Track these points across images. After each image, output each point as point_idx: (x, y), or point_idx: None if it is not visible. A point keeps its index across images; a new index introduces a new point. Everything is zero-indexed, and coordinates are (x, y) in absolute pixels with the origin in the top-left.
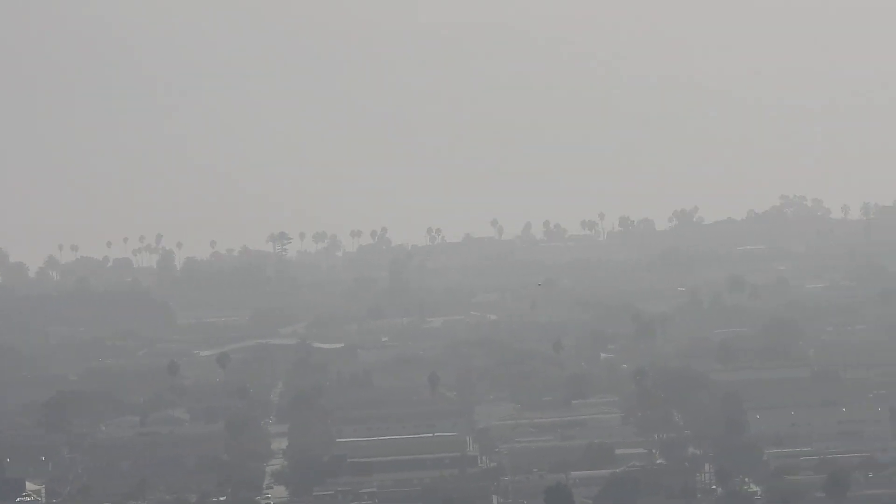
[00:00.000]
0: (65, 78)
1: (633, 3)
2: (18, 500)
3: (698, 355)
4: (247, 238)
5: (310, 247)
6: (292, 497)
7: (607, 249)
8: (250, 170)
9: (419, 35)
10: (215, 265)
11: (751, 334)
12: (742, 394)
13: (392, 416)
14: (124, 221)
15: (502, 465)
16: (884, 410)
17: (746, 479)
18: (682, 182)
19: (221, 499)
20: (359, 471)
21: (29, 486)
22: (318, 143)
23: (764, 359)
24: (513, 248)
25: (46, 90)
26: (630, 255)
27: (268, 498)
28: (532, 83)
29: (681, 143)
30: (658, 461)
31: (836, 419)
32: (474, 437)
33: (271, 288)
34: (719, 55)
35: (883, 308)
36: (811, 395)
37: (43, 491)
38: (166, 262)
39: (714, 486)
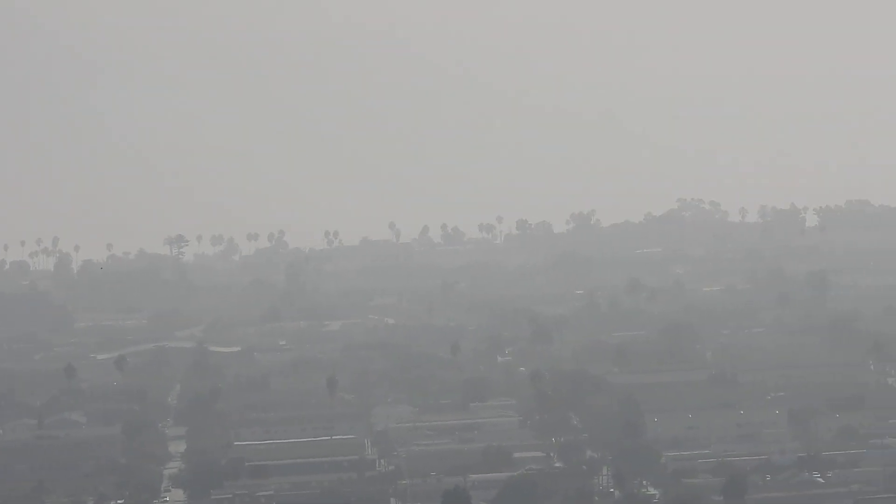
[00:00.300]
0: None
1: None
2: None
3: (595, 358)
4: (144, 241)
5: (207, 250)
6: (190, 500)
7: (505, 253)
8: (147, 173)
9: (317, 38)
10: (112, 268)
11: (648, 337)
12: (639, 397)
13: (290, 420)
14: (21, 224)
15: (400, 468)
16: (781, 413)
17: (644, 482)
18: (580, 185)
19: (119, 502)
20: (256, 474)
21: None
22: (214, 146)
23: (661, 362)
24: (410, 252)
25: None
26: (528, 258)
27: (165, 501)
28: (429, 89)
29: (577, 146)
30: (556, 464)
31: (734, 422)
32: (372, 441)
33: (168, 291)
34: (629, 58)
35: (780, 311)
36: (708, 398)
37: None
38: (63, 266)
39: (612, 490)
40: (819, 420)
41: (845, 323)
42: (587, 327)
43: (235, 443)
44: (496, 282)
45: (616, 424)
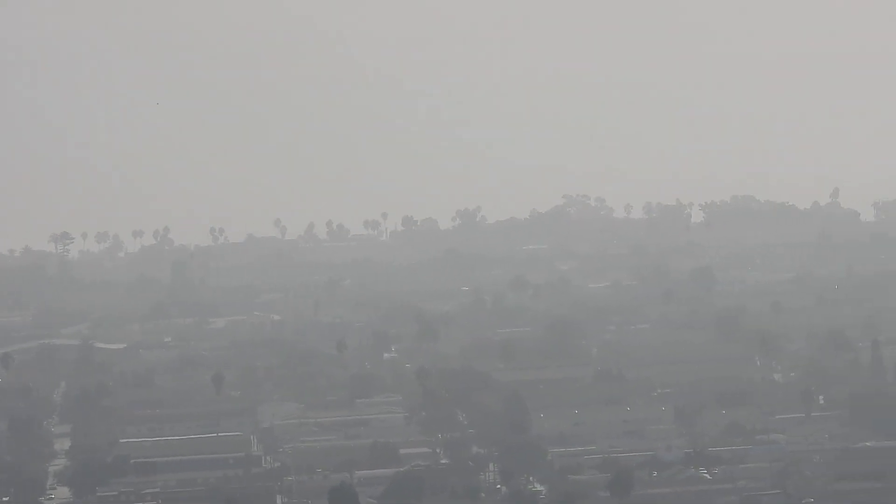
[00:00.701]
0: None
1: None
2: None
3: (481, 355)
4: (29, 239)
5: (92, 247)
6: (75, 498)
7: (391, 250)
8: (31, 169)
9: (206, 36)
10: None
11: (534, 334)
12: (525, 393)
13: (176, 417)
14: None
15: (286, 464)
16: (667, 409)
17: (531, 479)
18: (466, 182)
19: (4, 499)
20: (142, 471)
21: None
22: (99, 143)
23: (547, 358)
24: (296, 248)
25: None
26: (413, 255)
27: (51, 498)
28: (315, 84)
29: (463, 143)
30: (442, 461)
31: (620, 418)
32: (258, 437)
33: (54, 288)
34: (505, 55)
35: (665, 307)
36: (594, 395)
37: None
38: None
39: (498, 486)
40: (705, 416)
41: (731, 319)
42: (473, 324)
43: (121, 440)
44: (382, 279)
45: (502, 421)
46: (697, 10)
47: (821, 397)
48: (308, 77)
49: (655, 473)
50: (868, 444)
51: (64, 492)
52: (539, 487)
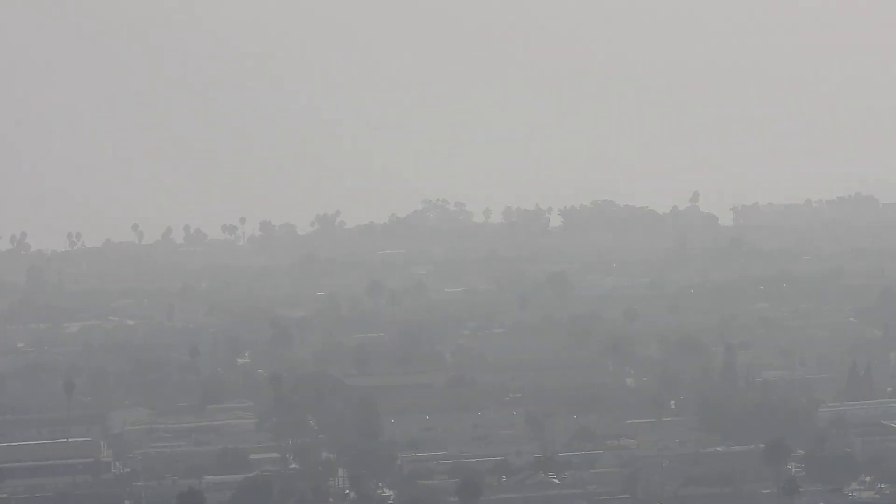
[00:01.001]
0: None
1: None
2: None
3: (335, 361)
4: None
5: None
6: None
7: (248, 254)
8: None
9: (57, 37)
10: None
11: (387, 339)
12: (377, 399)
13: (25, 422)
14: None
15: (136, 470)
16: (519, 415)
17: (380, 484)
18: (325, 187)
19: None
20: None
21: None
22: None
23: (400, 364)
24: (153, 253)
25: None
26: (271, 259)
27: None
28: (174, 87)
29: (322, 147)
30: (291, 466)
31: (471, 423)
32: (109, 443)
33: None
34: (362, 58)
35: (521, 313)
36: (446, 400)
37: None
38: None
39: (347, 491)
40: (556, 421)
41: (584, 324)
42: (327, 329)
43: None
44: (238, 283)
45: (353, 426)
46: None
47: (672, 402)
48: (167, 80)
49: (505, 478)
50: (718, 448)
51: None
52: (388, 492)
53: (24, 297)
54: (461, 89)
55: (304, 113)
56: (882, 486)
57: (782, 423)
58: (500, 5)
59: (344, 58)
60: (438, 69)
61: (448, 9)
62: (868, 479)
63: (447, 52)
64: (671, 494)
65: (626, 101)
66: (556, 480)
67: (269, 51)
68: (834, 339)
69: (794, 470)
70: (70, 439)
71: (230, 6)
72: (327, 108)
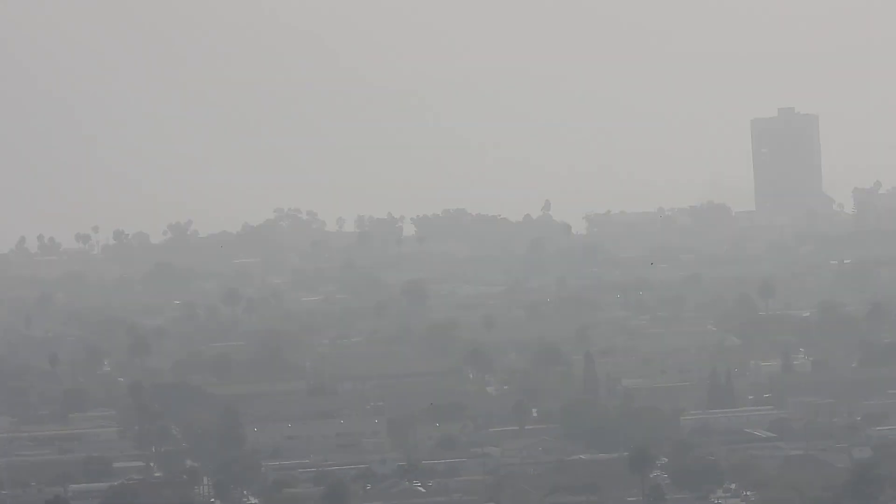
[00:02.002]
0: None
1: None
2: None
3: (194, 369)
4: None
5: None
6: None
7: (102, 263)
8: None
9: None
10: None
11: (246, 348)
12: (239, 407)
13: None
14: None
15: (0, 478)
16: (381, 422)
17: (245, 492)
18: (178, 195)
19: None
20: None
21: None
22: None
23: (260, 372)
24: (7, 263)
25: None
26: (125, 269)
27: None
28: (27, 96)
29: (174, 158)
30: (156, 474)
31: (334, 431)
32: None
33: None
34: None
35: (378, 320)
36: (308, 408)
37: None
38: None
39: (213, 500)
40: (419, 429)
41: (443, 331)
42: (186, 338)
43: None
44: (94, 293)
45: (216, 435)
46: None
47: (534, 410)
48: (16, 87)
49: (369, 486)
50: (581, 456)
51: None
52: (253, 500)
53: None
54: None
55: (154, 122)
56: (747, 493)
57: (646, 431)
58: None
59: (197, 67)
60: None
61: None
62: (733, 486)
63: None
64: (537, 502)
65: (468, 109)
66: (422, 488)
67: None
68: (693, 347)
69: (659, 478)
70: None
71: None
72: (180, 118)
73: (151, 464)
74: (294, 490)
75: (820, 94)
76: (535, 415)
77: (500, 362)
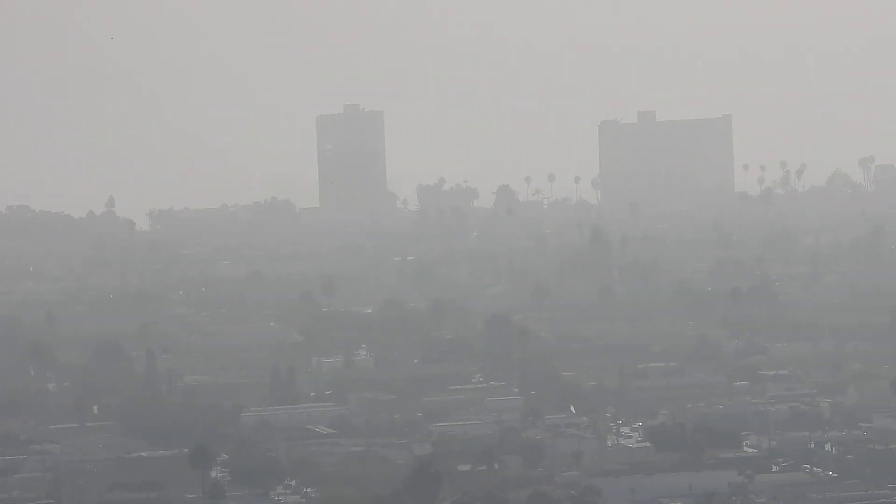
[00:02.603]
0: None
1: None
2: None
3: None
4: None
5: None
6: None
7: None
8: None
9: None
10: None
11: None
12: None
13: None
14: None
15: None
16: None
17: None
18: None
19: None
20: None
21: None
22: None
23: None
24: None
25: None
26: None
27: None
28: None
29: None
30: None
31: None
32: None
33: None
34: None
35: None
36: None
37: None
38: None
39: None
40: None
41: (5, 329)
42: None
43: None
44: None
45: None
46: None
47: (95, 407)
48: None
49: None
50: (143, 453)
51: None
52: None
53: None
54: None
55: None
56: (307, 490)
57: (206, 428)
58: None
59: None
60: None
61: None
62: (293, 482)
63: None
64: (96, 499)
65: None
66: None
67: None
68: (256, 343)
69: (219, 474)
70: None
71: None
72: None
73: None
74: None
75: (385, 91)
76: (95, 412)
77: (62, 359)
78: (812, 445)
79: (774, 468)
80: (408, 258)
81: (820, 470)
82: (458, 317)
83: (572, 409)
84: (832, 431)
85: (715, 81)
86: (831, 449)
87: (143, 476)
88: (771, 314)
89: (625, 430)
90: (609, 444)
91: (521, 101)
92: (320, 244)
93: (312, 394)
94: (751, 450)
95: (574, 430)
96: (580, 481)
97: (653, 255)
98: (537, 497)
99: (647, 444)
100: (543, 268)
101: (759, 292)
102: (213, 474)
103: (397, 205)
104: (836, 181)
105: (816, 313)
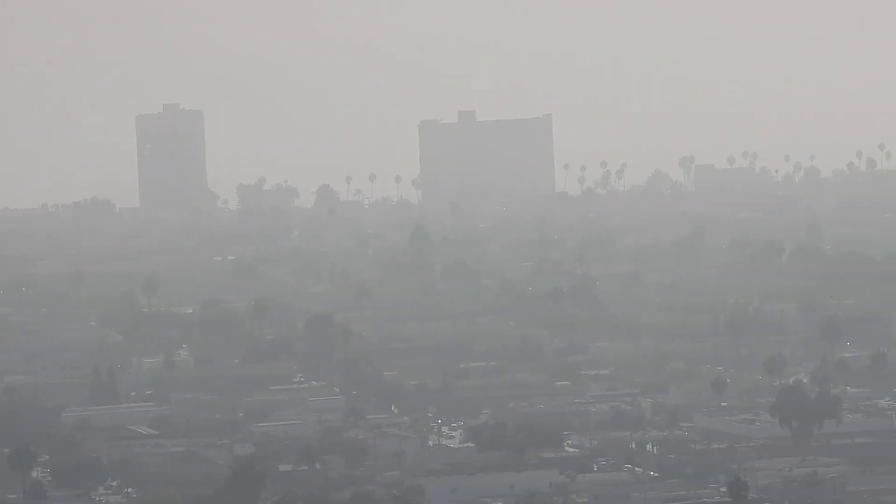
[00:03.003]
0: None
1: None
2: None
3: None
4: None
5: None
6: None
7: None
8: None
9: None
10: None
11: None
12: None
13: None
14: None
15: None
16: None
17: None
18: None
19: None
20: None
21: None
22: None
23: None
24: None
25: None
26: None
27: None
28: None
29: None
30: None
31: None
32: None
33: None
34: None
35: None
36: None
37: None
38: None
39: None
40: None
41: None
42: None
43: None
44: None
45: None
46: None
47: None
48: None
49: None
50: None
51: None
52: None
53: None
54: None
55: None
56: (129, 490)
57: (27, 428)
58: None
59: None
60: None
61: None
62: (115, 483)
63: None
64: None
65: None
66: None
67: None
68: (77, 344)
69: (40, 475)
70: None
71: None
72: None
73: None
74: None
75: (205, 90)
76: None
77: None
78: (633, 445)
79: (596, 468)
80: (228, 258)
81: (641, 469)
82: (279, 316)
83: (394, 408)
84: (653, 431)
85: (535, 81)
86: (653, 448)
87: None
88: (592, 314)
89: (447, 429)
90: (431, 443)
91: (341, 100)
92: (141, 244)
93: (133, 394)
94: (572, 449)
95: (396, 430)
96: (402, 481)
97: (474, 255)
98: (360, 497)
99: (470, 443)
100: (365, 268)
101: (579, 292)
102: (34, 474)
103: (218, 204)
104: (656, 181)
105: (637, 313)
